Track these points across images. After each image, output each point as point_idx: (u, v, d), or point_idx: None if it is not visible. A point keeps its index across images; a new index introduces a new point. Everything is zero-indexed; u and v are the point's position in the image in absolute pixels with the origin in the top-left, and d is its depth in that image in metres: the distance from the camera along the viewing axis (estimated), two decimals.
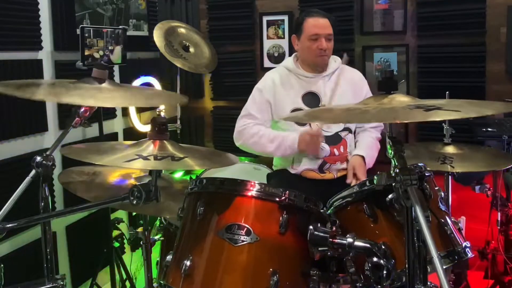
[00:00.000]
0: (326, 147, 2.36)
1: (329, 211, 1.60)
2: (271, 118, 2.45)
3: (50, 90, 1.40)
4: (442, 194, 1.61)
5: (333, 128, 2.39)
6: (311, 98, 2.39)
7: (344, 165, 2.38)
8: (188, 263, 1.40)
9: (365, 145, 2.42)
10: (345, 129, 2.41)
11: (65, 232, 2.67)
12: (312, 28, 2.36)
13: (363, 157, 2.34)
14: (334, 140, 2.38)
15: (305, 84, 2.43)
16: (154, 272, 2.08)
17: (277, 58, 3.52)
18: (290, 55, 3.42)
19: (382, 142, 2.54)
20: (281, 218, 1.43)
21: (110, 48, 2.65)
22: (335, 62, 2.49)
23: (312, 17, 2.38)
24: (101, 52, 2.58)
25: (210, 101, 3.79)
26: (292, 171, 2.43)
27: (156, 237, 2.09)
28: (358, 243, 1.39)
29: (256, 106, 2.45)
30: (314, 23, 2.37)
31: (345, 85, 2.45)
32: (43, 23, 2.49)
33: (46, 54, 2.53)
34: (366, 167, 2.32)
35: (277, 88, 2.43)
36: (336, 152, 2.37)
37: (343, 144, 2.39)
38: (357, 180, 2.25)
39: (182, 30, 3.24)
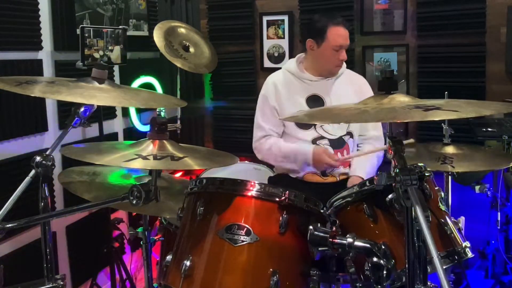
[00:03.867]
0: (330, 150, 2.35)
1: (329, 211, 1.60)
2: (281, 123, 2.43)
3: (50, 87, 1.39)
4: (442, 194, 1.60)
5: (337, 132, 2.37)
6: (315, 101, 2.37)
7: (346, 169, 2.37)
8: (188, 263, 1.40)
9: (367, 165, 2.36)
10: (348, 133, 2.39)
11: (65, 232, 2.67)
12: (339, 39, 2.30)
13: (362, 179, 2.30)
14: (338, 144, 2.36)
15: (308, 87, 2.40)
16: (154, 272, 2.09)
17: (277, 58, 3.53)
18: (290, 55, 3.46)
19: None
20: (281, 218, 1.43)
21: (110, 48, 2.64)
22: None
23: (337, 26, 2.30)
24: (101, 52, 2.58)
25: (210, 101, 3.79)
26: (294, 175, 2.41)
27: (156, 237, 2.09)
28: (358, 243, 1.39)
29: (264, 117, 2.44)
30: (340, 34, 2.30)
31: (349, 89, 2.42)
32: (43, 23, 2.49)
33: (46, 54, 2.53)
34: None
35: (280, 92, 2.41)
36: (340, 156, 2.36)
37: (346, 148, 2.38)
38: None
39: (182, 30, 3.24)
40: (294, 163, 2.36)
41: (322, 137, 2.34)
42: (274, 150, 2.39)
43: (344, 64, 2.48)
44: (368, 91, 2.49)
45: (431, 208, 1.43)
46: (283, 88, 2.42)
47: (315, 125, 2.35)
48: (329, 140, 2.35)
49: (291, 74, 2.44)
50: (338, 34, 2.30)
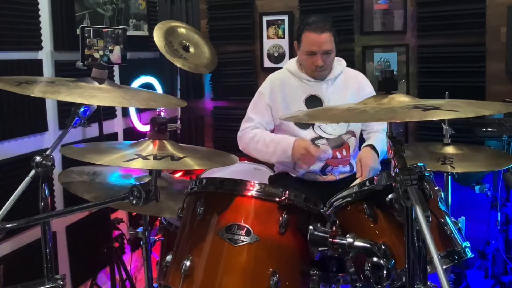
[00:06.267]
0: (329, 150, 2.34)
1: (329, 211, 1.60)
2: (272, 121, 2.43)
3: (50, 87, 1.39)
4: (442, 194, 1.60)
5: (337, 131, 2.36)
6: (314, 102, 2.36)
7: (346, 168, 2.37)
8: (188, 263, 1.40)
9: (376, 139, 2.34)
10: (348, 132, 2.38)
11: (65, 232, 2.67)
12: (309, 45, 2.27)
13: (372, 146, 2.24)
14: (337, 143, 2.36)
15: (307, 88, 2.39)
16: (154, 272, 2.09)
17: (277, 58, 3.53)
18: (290, 55, 3.46)
19: None
20: (281, 218, 1.43)
21: (110, 48, 2.64)
22: (339, 65, 2.43)
23: (310, 32, 2.26)
24: (101, 52, 2.58)
25: (210, 101, 3.79)
26: (293, 175, 2.41)
27: (156, 237, 2.09)
28: (358, 243, 1.39)
29: (255, 110, 2.44)
30: (311, 40, 2.26)
31: (349, 88, 2.41)
32: (43, 23, 2.49)
33: (46, 54, 2.53)
34: (375, 156, 2.22)
35: (278, 92, 2.40)
36: (339, 155, 2.34)
37: (346, 147, 2.36)
38: (362, 168, 2.18)
39: (182, 30, 3.24)
40: (273, 153, 2.30)
41: (320, 137, 2.34)
42: (257, 138, 2.35)
43: (344, 63, 2.47)
44: (368, 88, 2.48)
45: (431, 208, 1.43)
46: (282, 87, 2.42)
47: (313, 125, 2.34)
48: (328, 140, 2.34)
49: (291, 73, 2.44)
50: (309, 40, 2.27)
